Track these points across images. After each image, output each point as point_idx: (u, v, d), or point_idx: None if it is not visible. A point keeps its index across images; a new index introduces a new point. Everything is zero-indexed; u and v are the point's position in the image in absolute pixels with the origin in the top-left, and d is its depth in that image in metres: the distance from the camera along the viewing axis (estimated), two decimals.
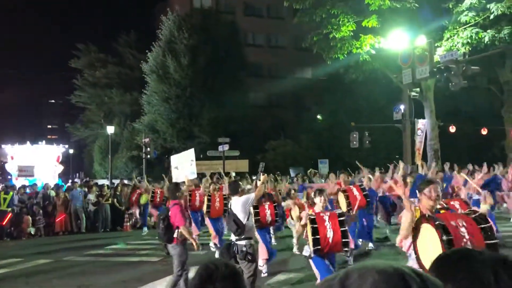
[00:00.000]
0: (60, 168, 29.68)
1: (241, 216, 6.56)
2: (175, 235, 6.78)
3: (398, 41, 17.69)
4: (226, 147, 25.80)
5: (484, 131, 26.43)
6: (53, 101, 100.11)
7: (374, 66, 20.62)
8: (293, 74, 38.05)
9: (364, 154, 27.90)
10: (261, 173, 6.71)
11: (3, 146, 31.03)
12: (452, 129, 24.35)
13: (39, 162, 26.60)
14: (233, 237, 6.69)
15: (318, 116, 34.32)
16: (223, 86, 29.64)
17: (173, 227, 6.76)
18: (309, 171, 22.83)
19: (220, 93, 29.61)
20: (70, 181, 27.13)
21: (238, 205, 6.67)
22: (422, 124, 21.25)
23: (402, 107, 20.66)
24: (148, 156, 26.54)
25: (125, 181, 21.11)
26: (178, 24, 30.98)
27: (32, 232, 15.42)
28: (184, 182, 10.07)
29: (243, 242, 6.51)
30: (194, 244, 6.73)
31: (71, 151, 46.60)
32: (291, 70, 38.46)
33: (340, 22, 18.69)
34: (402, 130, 20.74)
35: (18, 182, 22.92)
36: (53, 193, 17.53)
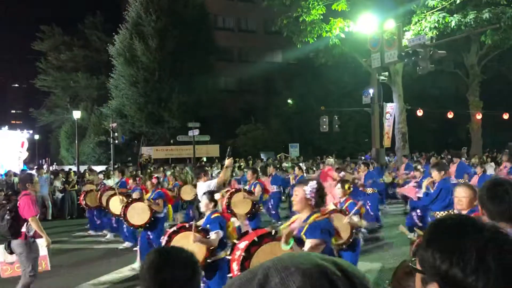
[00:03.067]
0: (25, 154, 28.84)
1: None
2: (23, 230, 5.96)
3: (367, 25, 17.76)
4: (197, 132, 25.58)
5: (450, 115, 27.05)
6: (16, 85, 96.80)
7: (344, 50, 20.70)
8: (263, 58, 37.84)
9: (333, 137, 28.25)
10: (228, 158, 6.57)
11: None
12: (420, 112, 24.80)
13: (2, 148, 25.76)
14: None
15: (289, 101, 34.37)
16: (192, 70, 29.21)
17: (20, 220, 5.96)
18: (279, 155, 22.92)
19: (189, 77, 29.18)
20: (36, 167, 26.40)
21: (201, 191, 6.55)
22: (390, 108, 21.56)
23: (371, 91, 20.86)
24: (116, 141, 26.00)
25: (92, 167, 20.65)
26: (145, 6, 30.18)
27: None
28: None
29: None
30: (45, 239, 6.03)
31: (36, 136, 45.31)
32: (261, 54, 38.24)
33: (310, 5, 18.60)
34: (371, 114, 20.96)
35: None
36: (17, 180, 17.00)
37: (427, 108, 25.35)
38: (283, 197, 14.41)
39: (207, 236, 5.16)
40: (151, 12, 29.71)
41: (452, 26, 16.88)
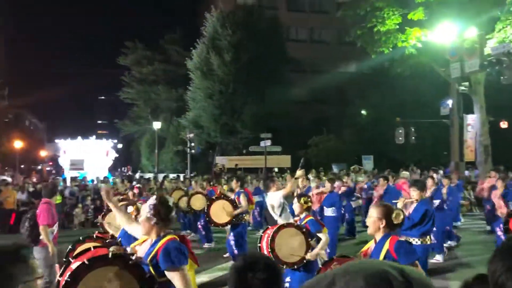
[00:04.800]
0: (110, 162, 30.85)
1: (273, 212, 6.74)
2: (41, 237, 6.23)
3: (446, 33, 17.11)
4: (268, 142, 25.91)
5: None
6: (103, 97, 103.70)
7: (420, 60, 20.04)
8: (336, 69, 37.56)
9: (410, 149, 27.32)
10: (299, 169, 6.70)
11: (56, 140, 32.62)
12: (504, 124, 23.30)
13: (90, 156, 27.81)
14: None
15: (362, 111, 33.73)
16: (265, 82, 29.72)
17: (38, 227, 6.22)
18: (352, 167, 22.54)
19: (262, 89, 29.70)
20: (124, 174, 28.19)
21: (271, 201, 6.84)
22: (472, 120, 20.47)
23: (450, 102, 19.98)
24: (193, 151, 27.09)
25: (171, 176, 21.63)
26: (221, 21, 31.30)
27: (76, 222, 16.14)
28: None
29: None
30: (50, 247, 6.18)
31: (119, 145, 48.31)
32: (334, 65, 37.96)
33: (385, 15, 18.32)
34: (450, 126, 20.07)
35: (70, 175, 24.06)
36: (103, 186, 18.32)
37: None
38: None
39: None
40: (227, 26, 30.72)
41: None
